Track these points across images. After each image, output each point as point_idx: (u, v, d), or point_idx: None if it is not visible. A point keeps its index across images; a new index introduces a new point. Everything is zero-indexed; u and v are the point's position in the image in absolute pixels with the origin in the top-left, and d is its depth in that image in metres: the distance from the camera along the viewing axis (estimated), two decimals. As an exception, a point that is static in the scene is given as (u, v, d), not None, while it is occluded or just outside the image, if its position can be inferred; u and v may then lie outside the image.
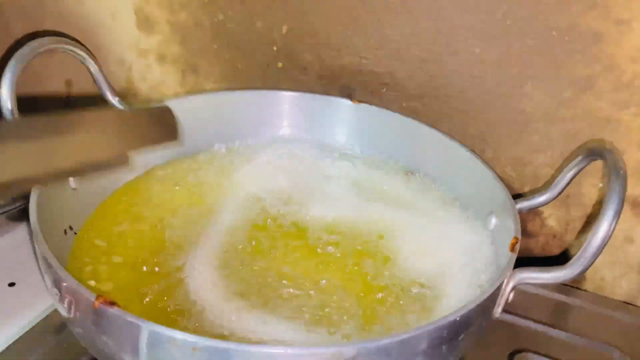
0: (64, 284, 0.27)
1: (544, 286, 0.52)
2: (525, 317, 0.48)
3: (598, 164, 0.48)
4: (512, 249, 0.32)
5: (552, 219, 0.52)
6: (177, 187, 0.42)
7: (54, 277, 0.28)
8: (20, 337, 0.48)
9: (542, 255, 0.55)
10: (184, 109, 0.46)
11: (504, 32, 0.46)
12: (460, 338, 0.28)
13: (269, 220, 0.39)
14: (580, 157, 0.37)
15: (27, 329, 0.50)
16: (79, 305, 0.27)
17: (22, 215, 0.68)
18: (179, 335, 0.24)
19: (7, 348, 0.44)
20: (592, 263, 0.30)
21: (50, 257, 0.28)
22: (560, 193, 0.39)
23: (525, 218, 0.53)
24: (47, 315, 0.51)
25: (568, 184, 0.39)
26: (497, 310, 0.32)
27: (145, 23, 0.57)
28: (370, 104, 0.50)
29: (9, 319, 0.52)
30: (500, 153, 0.51)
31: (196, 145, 0.46)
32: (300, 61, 0.53)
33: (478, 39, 0.47)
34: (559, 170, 0.39)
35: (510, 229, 0.35)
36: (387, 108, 0.49)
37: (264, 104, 0.48)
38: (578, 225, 0.52)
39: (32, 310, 0.53)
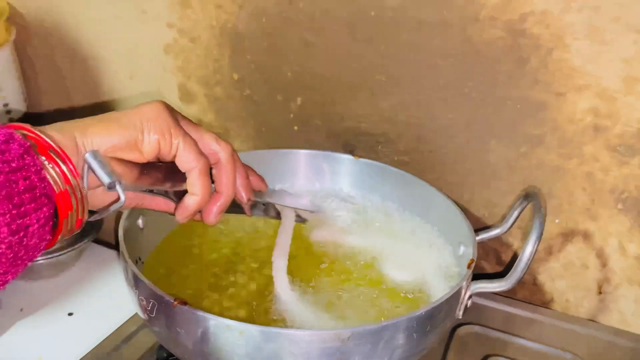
0: (150, 293, 0.40)
1: (518, 306, 0.63)
2: (499, 330, 0.59)
3: (555, 205, 0.60)
4: (469, 267, 0.44)
5: (521, 250, 0.64)
6: (221, 226, 0.55)
7: (142, 288, 0.40)
8: (79, 360, 0.60)
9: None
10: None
11: (470, 102, 0.59)
12: (428, 329, 0.40)
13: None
14: (520, 200, 0.49)
15: (84, 353, 0.62)
16: (160, 307, 0.39)
17: (77, 255, 0.81)
18: (230, 323, 0.37)
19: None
20: (522, 275, 0.42)
21: (138, 274, 0.41)
22: (510, 227, 0.51)
23: (500, 250, 0.65)
24: (102, 341, 0.63)
25: (515, 220, 0.51)
26: (459, 313, 0.44)
27: (186, 96, 0.72)
28: (368, 158, 0.62)
29: (69, 344, 0.64)
30: (475, 196, 0.63)
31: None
32: (312, 125, 0.66)
33: (450, 107, 0.60)
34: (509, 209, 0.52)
35: (471, 254, 0.47)
36: (381, 161, 0.62)
37: (284, 160, 0.61)
38: (543, 255, 0.64)
39: (88, 337, 0.65)
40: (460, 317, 0.45)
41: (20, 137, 0.31)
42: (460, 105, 0.59)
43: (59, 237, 0.34)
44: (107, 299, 0.76)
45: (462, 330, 0.58)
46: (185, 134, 0.38)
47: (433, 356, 0.54)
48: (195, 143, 0.38)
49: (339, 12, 0.59)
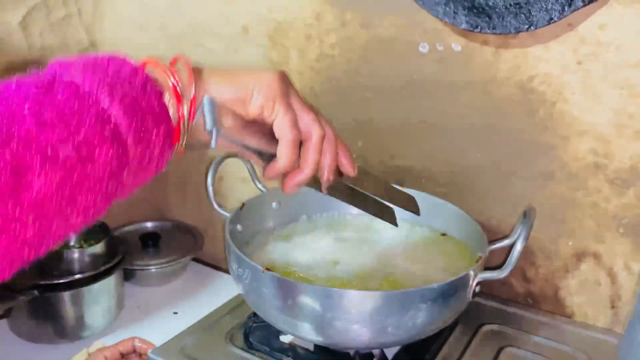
0: (247, 264, 0.58)
1: (539, 313, 0.76)
2: (519, 329, 0.72)
3: (568, 230, 0.74)
4: (477, 261, 0.60)
5: (543, 268, 0.78)
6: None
7: (241, 262, 0.59)
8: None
9: (540, 295, 0.79)
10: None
11: (495, 145, 0.75)
12: (443, 301, 0.56)
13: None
14: (521, 216, 0.64)
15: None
16: (253, 274, 0.58)
17: (182, 268, 1.02)
18: (299, 283, 0.55)
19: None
20: (514, 268, 0.57)
21: (239, 252, 0.60)
22: (517, 238, 0.66)
23: (525, 267, 0.79)
24: (200, 319, 0.81)
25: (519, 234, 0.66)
26: (469, 296, 0.59)
27: (273, 141, 0.93)
28: (414, 189, 0.79)
29: (174, 333, 0.82)
30: (502, 221, 0.78)
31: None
32: (369, 163, 0.85)
33: (480, 149, 0.77)
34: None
35: (484, 256, 0.63)
36: (425, 192, 0.79)
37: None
38: (562, 273, 0.77)
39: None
40: (470, 299, 0.60)
41: (147, 73, 0.39)
42: (486, 147, 0.76)
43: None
44: (204, 302, 0.96)
45: (486, 327, 0.72)
46: (288, 106, 0.44)
47: (459, 343, 0.68)
48: (294, 116, 0.44)
49: (391, 77, 0.79)
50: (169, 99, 0.40)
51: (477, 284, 0.59)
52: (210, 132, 0.43)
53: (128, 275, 0.98)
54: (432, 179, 0.81)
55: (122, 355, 0.76)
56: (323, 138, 0.47)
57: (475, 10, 0.66)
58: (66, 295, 0.83)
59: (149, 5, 0.98)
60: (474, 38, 0.71)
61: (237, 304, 0.75)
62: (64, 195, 0.33)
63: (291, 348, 0.65)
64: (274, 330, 0.67)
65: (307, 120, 0.46)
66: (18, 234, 0.32)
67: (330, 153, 0.48)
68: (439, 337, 0.69)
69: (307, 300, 0.55)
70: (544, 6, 0.63)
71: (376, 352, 0.64)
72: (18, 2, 0.89)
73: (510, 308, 0.77)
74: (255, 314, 0.69)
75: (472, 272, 0.59)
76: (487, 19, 0.65)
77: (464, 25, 0.66)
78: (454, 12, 0.67)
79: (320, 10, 0.81)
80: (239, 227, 0.71)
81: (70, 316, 0.85)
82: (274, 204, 0.77)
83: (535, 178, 0.74)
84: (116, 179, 0.36)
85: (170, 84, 0.40)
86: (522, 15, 0.64)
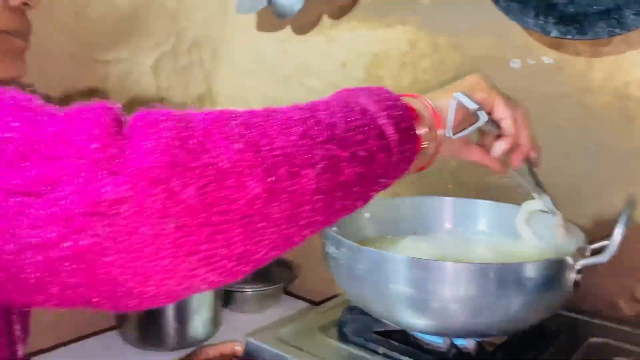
0: (343, 243, 0.62)
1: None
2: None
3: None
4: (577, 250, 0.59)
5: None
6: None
7: (338, 243, 0.62)
8: None
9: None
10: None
11: (591, 155, 0.75)
12: (539, 285, 0.55)
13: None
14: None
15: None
16: (349, 253, 0.60)
17: (278, 295, 1.05)
18: (393, 255, 0.57)
19: None
20: (615, 251, 0.55)
21: (336, 235, 0.63)
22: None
23: (633, 286, 0.75)
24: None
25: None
26: (569, 284, 0.57)
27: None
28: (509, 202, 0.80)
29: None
30: (601, 231, 0.75)
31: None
32: (469, 178, 0.86)
33: (576, 160, 0.76)
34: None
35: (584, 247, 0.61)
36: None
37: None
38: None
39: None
40: (571, 290, 0.58)
41: (405, 102, 0.50)
42: (582, 158, 0.76)
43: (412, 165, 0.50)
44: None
45: (592, 339, 0.68)
46: (498, 93, 0.56)
47: (561, 352, 0.65)
48: (506, 99, 0.57)
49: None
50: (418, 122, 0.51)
51: (577, 272, 0.58)
52: (479, 109, 0.54)
53: (227, 301, 1.03)
54: (529, 193, 0.81)
55: (222, 355, 0.79)
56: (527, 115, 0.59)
57: (565, 19, 0.69)
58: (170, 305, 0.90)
59: (260, 52, 1.11)
60: (566, 50, 0.74)
61: (331, 306, 0.77)
62: (357, 182, 0.44)
63: (385, 340, 0.65)
64: (368, 323, 0.68)
65: (511, 103, 0.58)
66: (328, 205, 0.42)
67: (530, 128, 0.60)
68: (540, 345, 0.66)
69: (402, 275, 0.57)
70: (636, 10, 0.65)
71: (472, 346, 0.63)
72: (153, 48, 1.04)
73: (619, 325, 0.72)
74: (349, 309, 0.70)
75: (569, 259, 0.58)
76: (577, 25, 0.68)
77: (554, 34, 0.70)
78: (544, 21, 0.70)
79: (415, 38, 0.87)
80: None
81: (173, 325, 0.91)
82: (366, 215, 0.80)
83: (637, 187, 0.72)
84: (383, 177, 0.46)
85: (423, 108, 0.53)
86: (613, 19, 0.67)
